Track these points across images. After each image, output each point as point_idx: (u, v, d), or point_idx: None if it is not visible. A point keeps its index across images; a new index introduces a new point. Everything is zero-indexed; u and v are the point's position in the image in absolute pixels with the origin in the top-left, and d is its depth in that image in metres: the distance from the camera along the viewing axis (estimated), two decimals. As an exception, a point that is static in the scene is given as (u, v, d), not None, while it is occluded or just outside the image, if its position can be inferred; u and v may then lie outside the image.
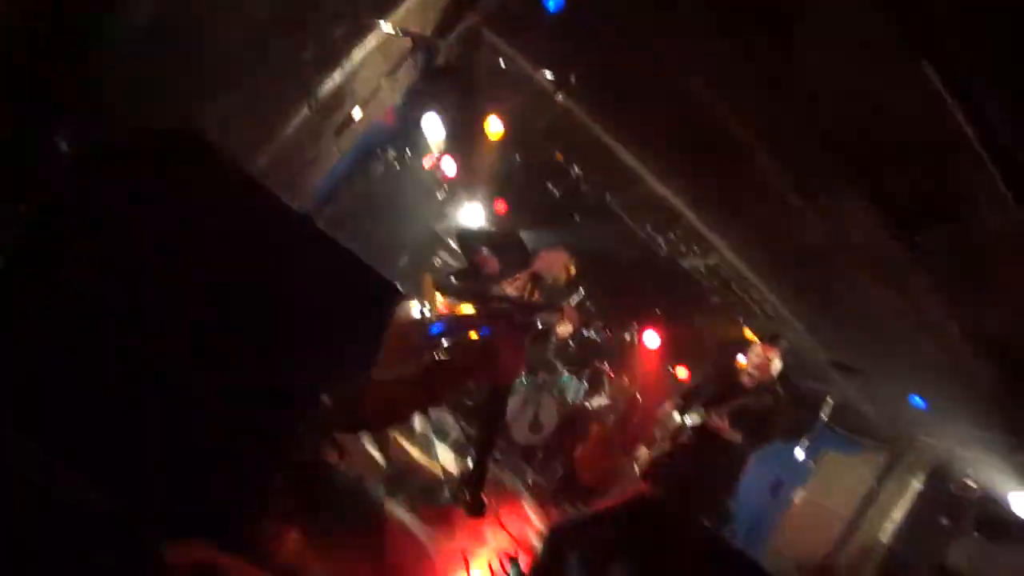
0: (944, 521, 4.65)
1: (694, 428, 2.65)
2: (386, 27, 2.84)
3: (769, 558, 4.79)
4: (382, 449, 2.64)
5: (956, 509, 4.65)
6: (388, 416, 2.45)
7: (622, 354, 5.12)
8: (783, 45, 2.70)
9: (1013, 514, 4.08)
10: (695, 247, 4.13)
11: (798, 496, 5.16)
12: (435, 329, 2.62)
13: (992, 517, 4.29)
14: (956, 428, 4.40)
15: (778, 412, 2.68)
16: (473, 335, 2.68)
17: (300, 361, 1.25)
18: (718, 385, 2.84)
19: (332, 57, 3.11)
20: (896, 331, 3.95)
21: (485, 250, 3.02)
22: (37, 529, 1.02)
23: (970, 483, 4.54)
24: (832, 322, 4.14)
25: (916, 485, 4.85)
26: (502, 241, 3.20)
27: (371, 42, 3.07)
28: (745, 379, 2.73)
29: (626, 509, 2.43)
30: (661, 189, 3.73)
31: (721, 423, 2.55)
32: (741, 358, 2.99)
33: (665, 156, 3.77)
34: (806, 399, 4.42)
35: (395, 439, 2.89)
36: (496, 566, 2.22)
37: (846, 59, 2.63)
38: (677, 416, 2.78)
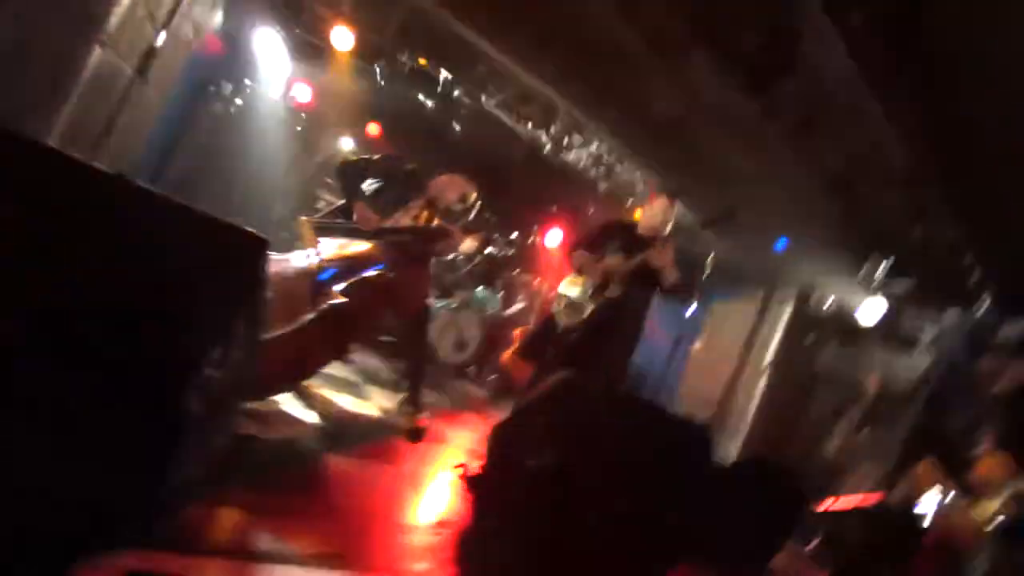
0: (811, 337, 5.59)
1: (623, 276, 2.70)
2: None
3: (680, 405, 5.53)
4: (309, 407, 2.54)
5: (818, 326, 5.58)
6: (295, 373, 2.28)
7: (528, 257, 5.24)
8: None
9: (857, 321, 4.98)
10: (576, 136, 4.15)
11: (696, 347, 5.90)
12: (325, 275, 2.42)
13: (845, 328, 5.22)
14: (812, 259, 5.15)
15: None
16: (369, 273, 2.53)
17: (170, 336, 1.09)
18: (625, 235, 2.85)
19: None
20: (755, 185, 4.38)
21: (366, 191, 2.77)
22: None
23: (826, 304, 5.43)
24: (700, 186, 4.45)
25: (788, 311, 5.71)
26: (389, 167, 2.92)
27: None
28: (645, 231, 2.75)
29: (548, 395, 2.55)
30: (531, 79, 3.61)
31: (667, 257, 2.57)
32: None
33: (525, 40, 3.60)
34: (693, 261, 4.87)
35: (320, 395, 2.79)
36: (453, 478, 2.32)
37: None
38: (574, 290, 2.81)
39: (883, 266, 4.78)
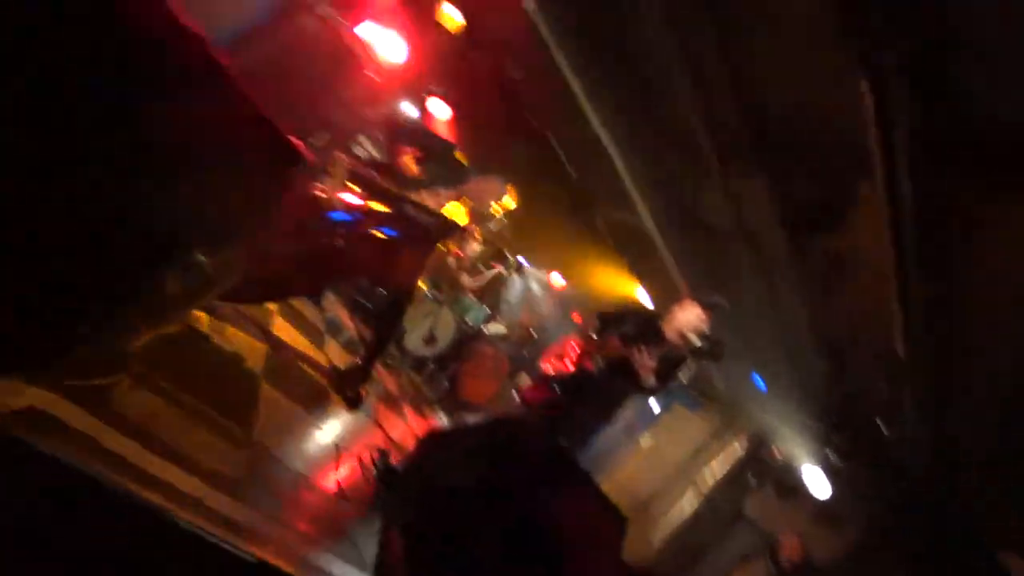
0: (751, 478, 5.62)
1: (608, 358, 2.76)
2: None
3: (606, 487, 5.47)
4: (264, 331, 2.48)
5: (762, 470, 5.62)
6: (268, 291, 2.23)
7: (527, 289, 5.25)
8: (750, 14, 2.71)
9: (802, 482, 5.04)
10: (618, 201, 4.22)
11: (644, 439, 5.88)
12: (337, 216, 2.41)
13: (786, 482, 5.27)
14: (781, 407, 5.21)
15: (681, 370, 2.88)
16: (377, 233, 2.53)
17: (177, 205, 1.06)
18: (641, 326, 2.94)
19: None
20: (757, 317, 4.46)
21: (411, 152, 2.79)
22: None
23: (777, 453, 5.48)
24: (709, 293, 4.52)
25: (738, 447, 5.74)
26: (437, 148, 2.95)
27: None
28: (671, 332, 2.86)
29: (497, 424, 2.54)
30: (601, 130, 3.70)
31: (649, 362, 2.66)
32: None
33: (610, 96, 3.71)
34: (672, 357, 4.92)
35: (280, 323, 2.73)
36: (366, 459, 2.26)
37: (793, 51, 2.72)
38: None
39: (840, 445, 4.83)
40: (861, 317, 3.83)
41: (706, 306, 2.98)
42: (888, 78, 2.23)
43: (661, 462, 5.74)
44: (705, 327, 2.91)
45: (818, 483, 4.95)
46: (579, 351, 3.04)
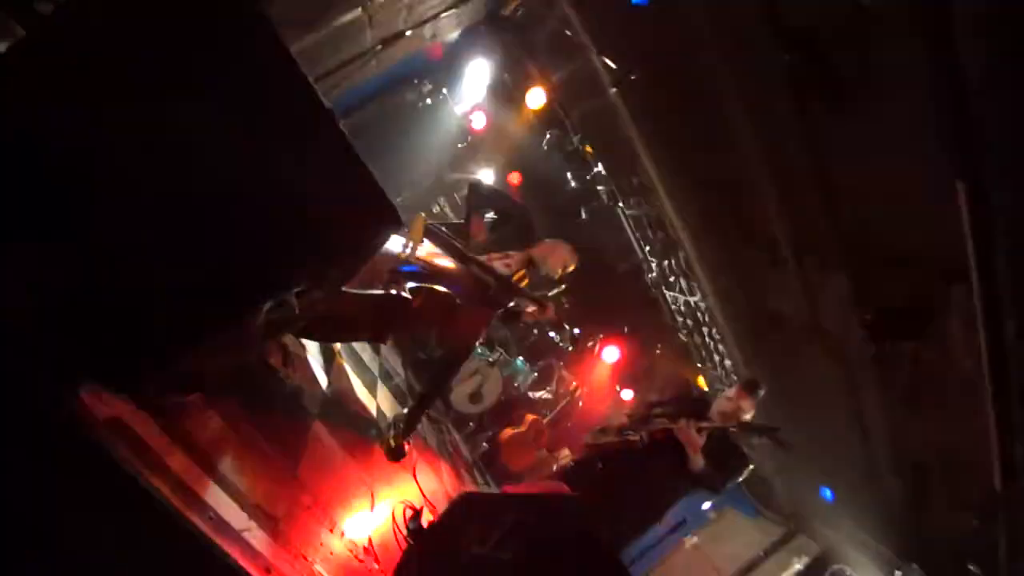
0: (811, 606, 4.94)
1: (653, 435, 2.63)
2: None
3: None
4: (326, 369, 2.59)
5: (824, 598, 4.93)
6: (338, 332, 2.36)
7: (578, 358, 5.18)
8: (840, 119, 2.71)
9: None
10: (684, 282, 4.17)
11: (690, 540, 5.38)
12: (407, 268, 2.53)
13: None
14: (851, 527, 4.64)
15: (740, 458, 2.68)
16: (443, 289, 2.62)
17: (288, 249, 1.18)
18: (687, 405, 2.82)
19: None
20: (830, 422, 4.10)
21: (486, 215, 2.92)
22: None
23: (844, 580, 4.82)
24: (776, 394, 4.26)
25: (797, 566, 5.11)
26: (512, 212, 3.08)
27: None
28: (714, 414, 2.72)
29: (536, 500, 2.45)
30: (673, 214, 3.74)
31: (695, 438, 2.51)
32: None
33: (685, 182, 3.77)
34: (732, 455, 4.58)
35: (340, 363, 2.84)
36: (398, 513, 2.23)
37: (890, 155, 2.66)
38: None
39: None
40: (951, 437, 3.43)
41: (743, 386, 2.80)
42: (988, 180, 2.12)
43: (706, 570, 5.19)
44: (748, 410, 2.72)
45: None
46: (624, 425, 2.91)
